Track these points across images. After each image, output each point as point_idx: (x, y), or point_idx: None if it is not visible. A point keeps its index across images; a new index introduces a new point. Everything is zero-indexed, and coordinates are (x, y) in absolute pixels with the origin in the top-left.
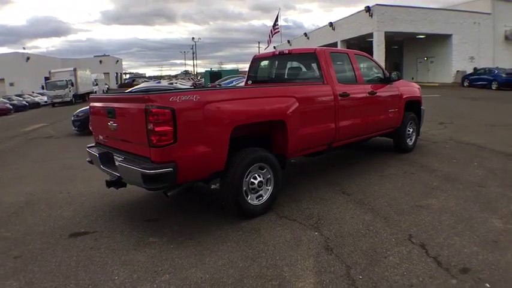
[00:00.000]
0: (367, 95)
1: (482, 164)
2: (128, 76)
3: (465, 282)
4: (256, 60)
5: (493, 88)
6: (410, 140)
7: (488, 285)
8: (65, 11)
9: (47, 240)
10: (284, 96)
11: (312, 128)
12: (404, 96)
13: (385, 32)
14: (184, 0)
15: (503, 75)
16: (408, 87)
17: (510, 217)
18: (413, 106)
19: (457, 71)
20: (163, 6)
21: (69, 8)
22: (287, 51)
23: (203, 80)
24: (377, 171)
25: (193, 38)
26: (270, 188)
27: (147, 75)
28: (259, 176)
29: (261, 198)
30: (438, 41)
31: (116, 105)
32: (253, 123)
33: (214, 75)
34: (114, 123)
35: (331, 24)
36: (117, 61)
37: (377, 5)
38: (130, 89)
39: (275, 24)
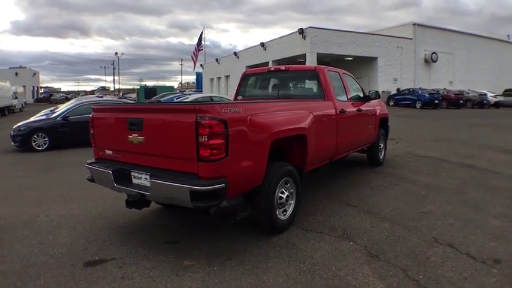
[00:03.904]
0: (356, 111)
1: (450, 174)
2: (42, 90)
3: (504, 270)
4: (246, 76)
5: (417, 107)
6: (381, 154)
7: None
8: None
9: (60, 272)
10: (305, 111)
11: (322, 143)
12: (377, 113)
13: (317, 54)
14: (99, 14)
15: (427, 95)
16: (380, 106)
17: (503, 216)
18: (383, 123)
19: (383, 91)
20: (76, 19)
21: None
22: (284, 68)
23: (135, 95)
24: (364, 183)
25: (116, 53)
26: (292, 202)
27: (62, 90)
28: (286, 191)
29: (285, 212)
30: (365, 63)
31: (145, 116)
32: (286, 137)
33: (149, 91)
34: (139, 136)
35: (262, 44)
36: (34, 74)
37: (310, 27)
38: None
39: (199, 43)
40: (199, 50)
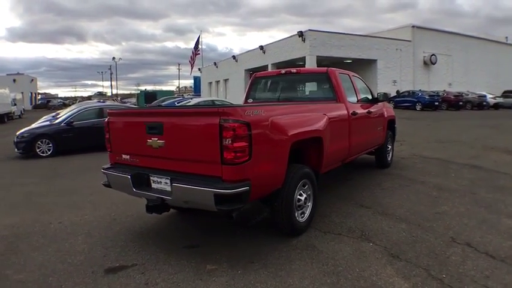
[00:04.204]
0: (366, 113)
1: (458, 175)
2: (40, 97)
3: None
4: (257, 79)
5: (417, 109)
6: (389, 156)
7: None
8: None
9: (81, 280)
10: (320, 113)
11: (336, 145)
12: (386, 115)
13: (316, 56)
14: (95, 20)
15: (427, 97)
16: (388, 108)
17: None
18: (391, 125)
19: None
20: (73, 24)
21: None
22: (295, 71)
23: (134, 100)
24: (375, 185)
25: (113, 58)
26: (310, 204)
27: (59, 96)
28: (303, 193)
29: (303, 215)
30: (364, 65)
31: (165, 119)
32: (304, 139)
33: (149, 96)
34: (159, 139)
35: (261, 47)
36: (32, 80)
37: (310, 30)
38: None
39: (196, 47)
40: (196, 54)
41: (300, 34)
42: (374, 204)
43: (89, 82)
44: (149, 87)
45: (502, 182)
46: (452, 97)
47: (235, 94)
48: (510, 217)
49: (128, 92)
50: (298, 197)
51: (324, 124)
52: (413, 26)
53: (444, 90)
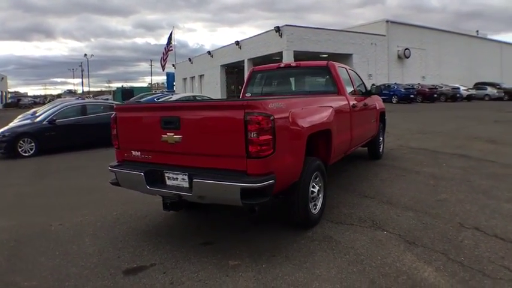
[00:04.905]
0: (363, 106)
1: (449, 164)
2: (9, 95)
3: None
4: (254, 73)
5: (394, 102)
6: (380, 147)
7: None
8: None
9: (101, 283)
10: (328, 107)
11: (340, 137)
12: (378, 108)
13: (293, 51)
14: (64, 16)
15: (403, 90)
16: (379, 100)
17: None
18: (382, 117)
19: None
20: (41, 21)
21: None
22: (294, 64)
23: (110, 97)
24: (372, 176)
25: (85, 55)
26: (321, 196)
27: (29, 94)
28: (316, 185)
29: (315, 207)
30: (340, 59)
31: (182, 113)
32: (317, 131)
33: (126, 93)
34: (176, 134)
35: (237, 42)
36: (2, 78)
37: (286, 25)
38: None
39: (169, 42)
40: (169, 50)
41: (277, 29)
42: (377, 194)
43: (59, 80)
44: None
45: (492, 170)
46: (427, 90)
47: (211, 90)
48: (508, 202)
49: (99, 89)
50: (312, 189)
51: (332, 116)
52: (387, 21)
53: (419, 83)
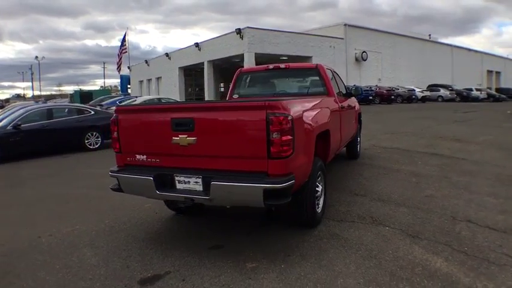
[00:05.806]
0: (347, 106)
1: (424, 162)
2: None
3: None
4: (242, 74)
5: None
6: (358, 147)
7: None
8: None
9: None
10: (326, 107)
11: (335, 138)
12: (356, 108)
13: (254, 53)
14: (11, 17)
15: (362, 92)
16: (356, 102)
17: (493, 195)
18: (359, 117)
19: None
20: None
21: None
22: (284, 66)
23: (67, 100)
24: (356, 175)
25: (36, 57)
26: (323, 195)
27: None
28: (319, 184)
29: (318, 205)
30: (300, 62)
31: (197, 115)
32: (322, 131)
33: (85, 96)
34: (189, 136)
35: (197, 44)
36: None
37: (248, 27)
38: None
39: (123, 44)
40: (123, 52)
41: (238, 31)
42: (367, 192)
43: (6, 84)
44: (71, 88)
45: (465, 167)
46: (385, 91)
47: (169, 92)
48: (490, 196)
49: (49, 93)
50: (316, 188)
51: (330, 116)
52: (345, 24)
53: (376, 85)
